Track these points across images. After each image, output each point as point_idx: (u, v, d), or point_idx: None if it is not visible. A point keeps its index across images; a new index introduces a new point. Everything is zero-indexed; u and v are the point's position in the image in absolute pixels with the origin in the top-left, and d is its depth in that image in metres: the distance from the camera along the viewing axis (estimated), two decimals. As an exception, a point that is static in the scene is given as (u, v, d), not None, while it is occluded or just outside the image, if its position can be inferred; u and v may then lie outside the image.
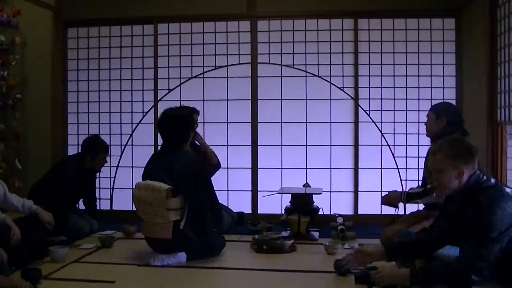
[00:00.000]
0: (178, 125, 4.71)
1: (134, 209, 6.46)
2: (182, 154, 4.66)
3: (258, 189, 6.60)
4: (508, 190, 3.17)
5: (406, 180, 6.40)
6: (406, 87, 6.51)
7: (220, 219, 4.82)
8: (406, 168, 6.46)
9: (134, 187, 4.67)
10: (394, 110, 6.48)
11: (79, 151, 5.81)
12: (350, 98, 6.55)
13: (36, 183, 5.52)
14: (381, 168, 6.49)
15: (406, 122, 6.47)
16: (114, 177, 6.92)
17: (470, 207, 3.15)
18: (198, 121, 5.45)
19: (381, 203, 5.04)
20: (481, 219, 3.05)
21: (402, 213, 5.51)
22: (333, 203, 6.50)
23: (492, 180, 3.22)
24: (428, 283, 3.16)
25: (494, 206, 3.03)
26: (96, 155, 5.54)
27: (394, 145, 6.50)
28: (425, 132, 4.87)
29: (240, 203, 6.48)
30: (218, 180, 4.85)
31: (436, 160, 3.28)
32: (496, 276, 3.11)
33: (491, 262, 3.02)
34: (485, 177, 3.20)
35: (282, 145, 6.64)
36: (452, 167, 3.20)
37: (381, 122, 6.51)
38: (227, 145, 6.65)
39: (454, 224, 3.33)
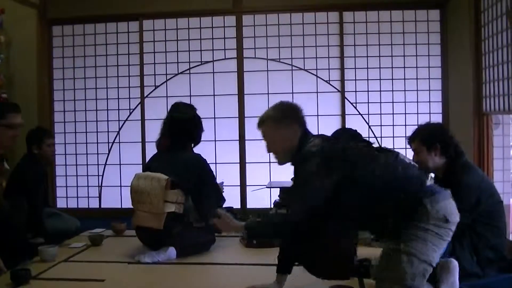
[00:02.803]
0: (197, 127, 4.75)
1: (123, 206, 6.52)
2: (187, 153, 4.67)
3: (247, 184, 6.62)
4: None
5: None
6: (392, 79, 6.54)
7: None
8: (393, 160, 6.48)
9: (133, 178, 4.63)
10: (380, 102, 6.50)
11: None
12: (336, 91, 6.57)
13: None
14: (369, 160, 6.50)
15: (393, 114, 6.51)
16: (102, 175, 6.92)
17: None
18: None
19: None
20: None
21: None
22: (321, 196, 6.51)
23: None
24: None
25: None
26: (41, 142, 5.25)
27: (381, 137, 6.53)
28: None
29: (228, 198, 6.43)
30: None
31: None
32: None
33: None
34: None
35: (269, 139, 6.64)
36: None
37: (368, 114, 6.54)
38: (215, 140, 6.65)
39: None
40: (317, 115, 6.56)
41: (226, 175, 6.63)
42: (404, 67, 6.54)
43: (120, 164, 6.88)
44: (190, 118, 4.73)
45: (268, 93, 6.65)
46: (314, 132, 6.50)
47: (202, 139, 6.15)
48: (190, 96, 6.69)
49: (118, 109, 6.90)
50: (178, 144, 4.66)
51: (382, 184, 2.93)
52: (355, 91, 6.56)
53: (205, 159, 4.71)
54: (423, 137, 3.82)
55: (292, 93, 6.61)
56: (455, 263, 3.22)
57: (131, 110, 6.87)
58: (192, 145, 4.80)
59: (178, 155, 4.61)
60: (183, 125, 4.68)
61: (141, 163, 6.71)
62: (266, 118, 3.30)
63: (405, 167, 2.99)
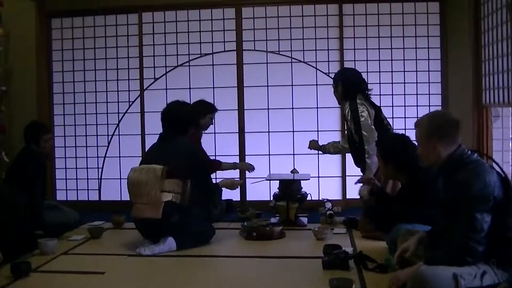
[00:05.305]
0: (181, 119, 4.86)
1: (123, 199, 6.52)
2: (180, 141, 4.75)
3: (246, 176, 6.60)
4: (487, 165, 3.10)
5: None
6: (392, 71, 6.53)
7: (214, 196, 5.36)
8: (393, 152, 6.48)
9: (129, 172, 4.67)
10: (380, 95, 6.47)
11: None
12: (336, 83, 6.56)
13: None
14: (368, 153, 6.50)
15: (392, 106, 6.50)
16: (102, 168, 6.91)
17: (451, 182, 3.09)
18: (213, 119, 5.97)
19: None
20: (464, 194, 2.96)
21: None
22: (321, 188, 6.53)
23: (474, 155, 3.14)
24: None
25: (475, 180, 2.95)
26: (39, 139, 5.10)
27: (380, 130, 6.51)
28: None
29: (228, 191, 6.46)
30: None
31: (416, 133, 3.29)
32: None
33: (485, 234, 2.91)
34: (469, 152, 3.13)
35: (269, 131, 6.65)
36: (426, 142, 3.18)
37: (367, 106, 6.52)
38: (214, 133, 6.64)
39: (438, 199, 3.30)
40: (317, 108, 6.56)
41: (225, 168, 6.65)
42: (404, 60, 6.52)
43: (119, 157, 6.88)
44: (178, 111, 4.89)
45: (267, 86, 6.64)
46: (313, 124, 6.51)
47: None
48: (190, 88, 6.69)
49: (118, 102, 6.88)
50: (169, 132, 4.80)
51: None
52: (355, 84, 6.55)
53: (196, 147, 4.99)
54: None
55: (292, 85, 6.61)
56: None
57: (130, 103, 6.86)
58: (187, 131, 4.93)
59: (169, 143, 4.73)
60: (172, 118, 4.84)
61: (140, 155, 6.70)
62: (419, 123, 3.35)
63: None
